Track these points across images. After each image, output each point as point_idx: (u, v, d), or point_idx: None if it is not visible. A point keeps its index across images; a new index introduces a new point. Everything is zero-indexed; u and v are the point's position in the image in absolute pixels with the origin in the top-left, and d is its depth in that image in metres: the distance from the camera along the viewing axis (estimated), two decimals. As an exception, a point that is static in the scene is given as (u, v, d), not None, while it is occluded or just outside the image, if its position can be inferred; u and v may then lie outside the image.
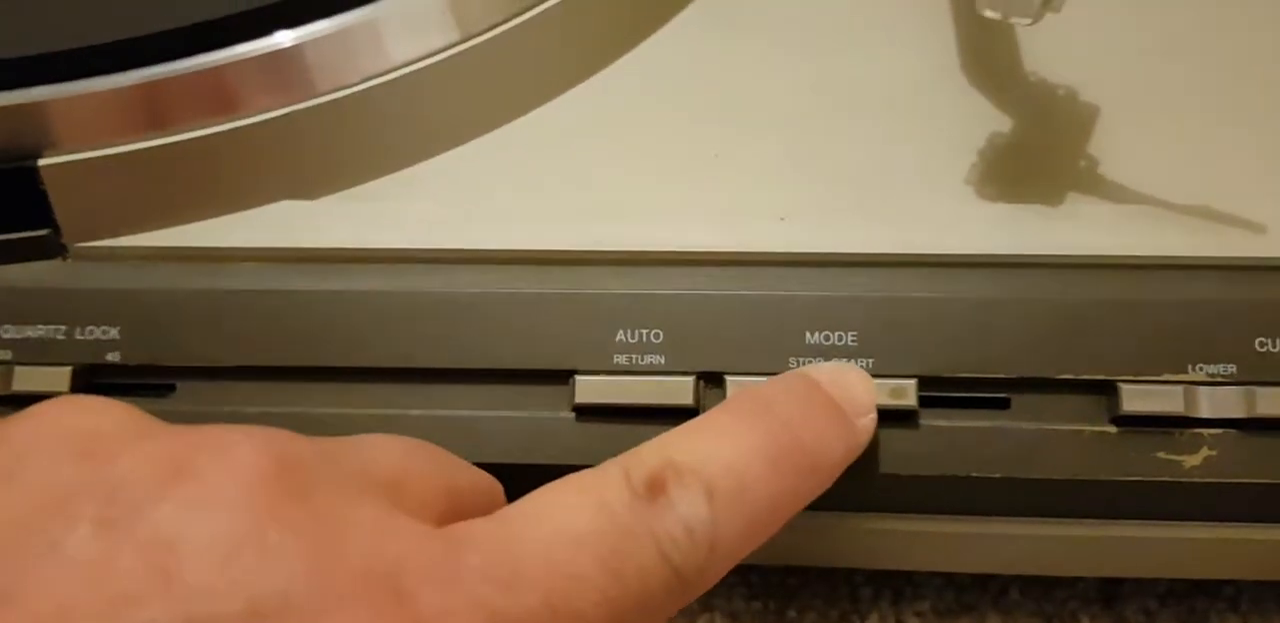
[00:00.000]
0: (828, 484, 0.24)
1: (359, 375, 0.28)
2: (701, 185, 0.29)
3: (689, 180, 0.29)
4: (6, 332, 0.28)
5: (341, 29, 0.29)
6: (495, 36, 0.30)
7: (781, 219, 0.28)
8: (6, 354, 0.28)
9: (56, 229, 0.29)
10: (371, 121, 0.30)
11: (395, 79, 0.30)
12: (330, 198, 0.30)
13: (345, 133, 0.30)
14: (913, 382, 0.26)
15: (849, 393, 0.25)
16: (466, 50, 0.30)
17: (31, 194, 0.29)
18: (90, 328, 0.28)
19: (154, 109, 0.29)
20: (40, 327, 0.28)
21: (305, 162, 0.30)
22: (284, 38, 0.29)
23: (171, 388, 0.28)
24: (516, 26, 0.31)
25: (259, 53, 0.29)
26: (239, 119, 0.29)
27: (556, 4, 0.31)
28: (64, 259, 0.29)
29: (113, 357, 0.28)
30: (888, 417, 0.26)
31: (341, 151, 0.30)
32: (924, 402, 0.26)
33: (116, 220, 0.29)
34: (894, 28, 0.32)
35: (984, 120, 0.30)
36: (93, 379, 0.28)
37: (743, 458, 0.23)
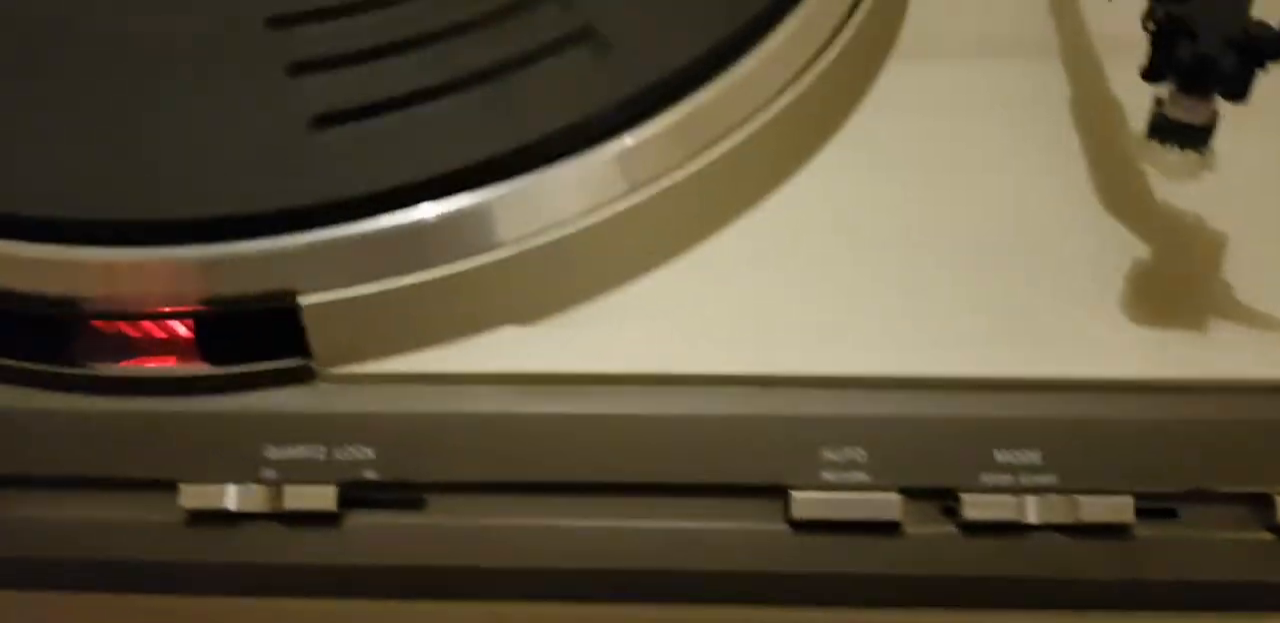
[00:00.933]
0: None
1: (591, 489, 0.31)
2: (875, 312, 0.33)
3: (861, 307, 0.33)
4: (270, 452, 0.32)
5: (537, 184, 0.33)
6: (662, 187, 0.34)
7: (959, 344, 0.32)
8: (272, 473, 0.32)
9: (310, 358, 0.32)
10: (563, 260, 0.33)
11: (584, 225, 0.33)
12: (545, 323, 0.33)
13: (547, 268, 0.33)
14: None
15: None
16: (638, 199, 0.33)
17: (291, 328, 0.32)
18: (348, 448, 0.32)
19: (397, 253, 0.32)
20: (301, 447, 0.32)
21: (522, 293, 0.33)
22: (490, 192, 0.32)
23: (423, 502, 0.32)
24: (681, 177, 0.34)
25: (474, 204, 0.32)
26: (467, 259, 0.32)
27: (719, 153, 0.34)
28: (312, 383, 0.33)
29: (370, 474, 0.32)
30: (1086, 531, 0.29)
31: (547, 283, 0.33)
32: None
33: (360, 349, 0.33)
34: (1027, 160, 0.36)
35: (1124, 247, 0.34)
36: (352, 495, 0.32)
37: None
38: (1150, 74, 0.28)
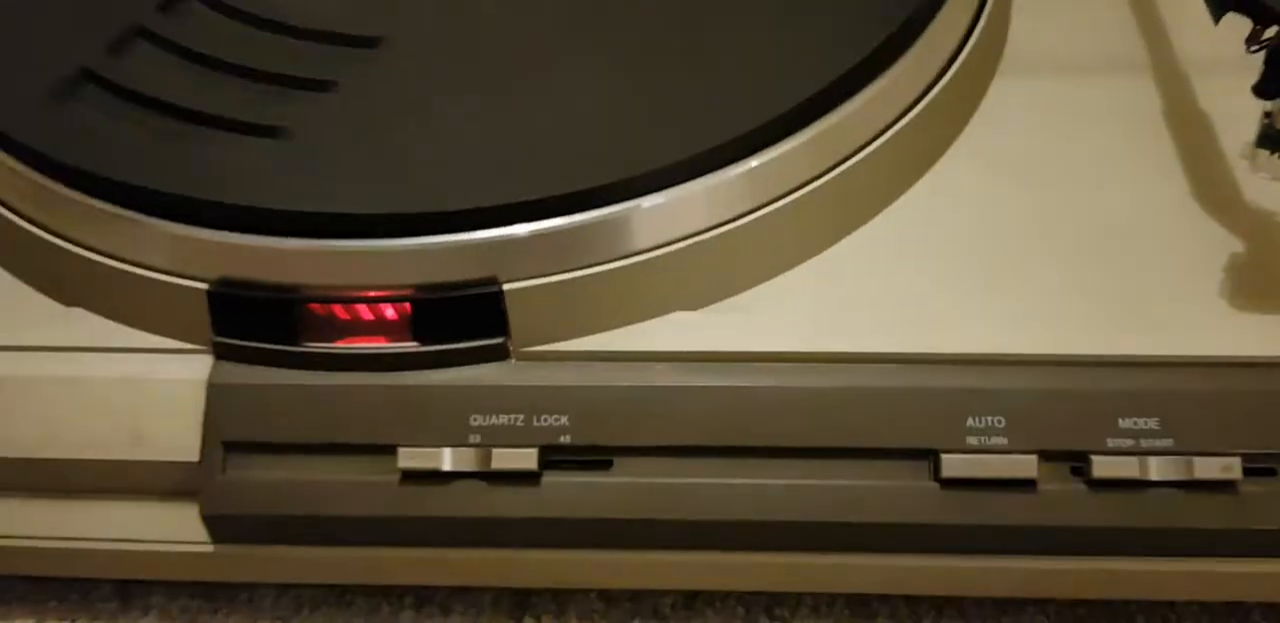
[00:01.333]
0: None
1: (762, 452, 0.36)
2: (1009, 300, 0.37)
3: (997, 296, 0.37)
4: (476, 420, 0.36)
5: (704, 187, 0.37)
6: (805, 193, 0.38)
7: (1085, 327, 0.36)
8: (477, 438, 0.36)
9: (508, 337, 0.37)
10: (726, 252, 0.38)
11: (743, 223, 0.38)
12: (707, 309, 0.38)
13: (712, 260, 0.38)
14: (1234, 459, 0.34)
15: None
16: (786, 202, 0.38)
17: (494, 311, 0.36)
18: (545, 416, 0.36)
19: (588, 247, 0.37)
20: (504, 416, 0.36)
21: (691, 282, 0.38)
22: (667, 195, 0.37)
23: (610, 464, 0.36)
24: (820, 184, 0.38)
25: (652, 205, 0.37)
26: (644, 253, 0.37)
27: (856, 161, 0.39)
28: (509, 360, 0.37)
29: (564, 439, 0.36)
30: (1199, 486, 0.34)
31: (712, 273, 0.38)
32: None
33: (552, 329, 0.37)
34: (1127, 165, 0.40)
35: (1222, 242, 0.38)
36: (549, 457, 0.36)
37: None
38: (1263, 90, 0.33)
